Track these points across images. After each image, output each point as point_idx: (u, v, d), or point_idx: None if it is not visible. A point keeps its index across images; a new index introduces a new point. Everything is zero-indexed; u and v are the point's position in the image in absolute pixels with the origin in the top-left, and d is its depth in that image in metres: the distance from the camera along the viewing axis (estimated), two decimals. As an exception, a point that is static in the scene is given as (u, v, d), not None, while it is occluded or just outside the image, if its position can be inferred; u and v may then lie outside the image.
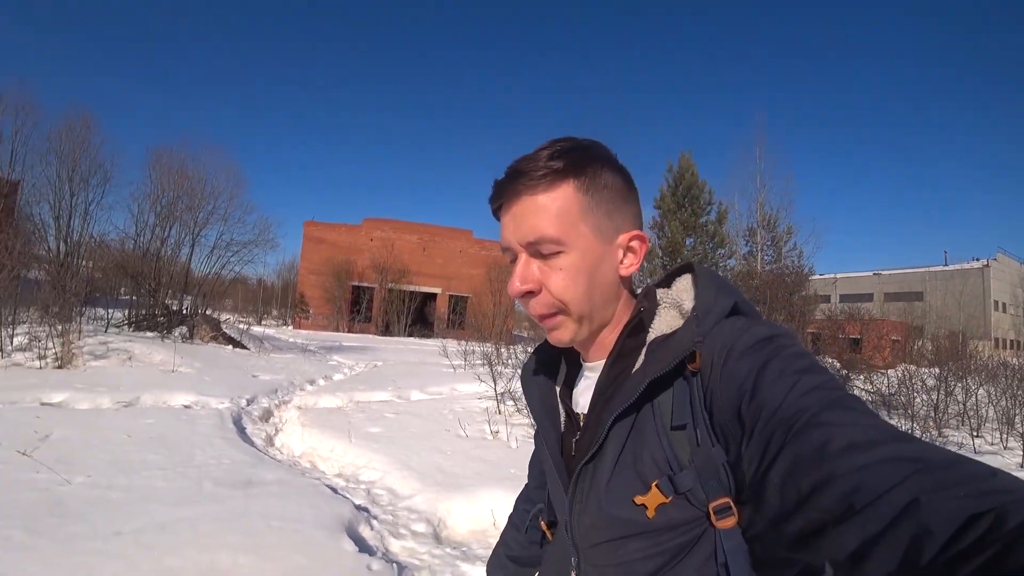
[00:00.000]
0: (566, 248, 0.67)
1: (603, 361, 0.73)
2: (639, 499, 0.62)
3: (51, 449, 3.96)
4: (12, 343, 7.67)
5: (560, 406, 0.81)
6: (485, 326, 18.50)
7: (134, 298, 12.97)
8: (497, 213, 0.73)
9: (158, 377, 7.41)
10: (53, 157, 12.00)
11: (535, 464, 1.07)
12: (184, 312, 13.40)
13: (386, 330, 27.62)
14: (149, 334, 11.40)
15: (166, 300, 13.58)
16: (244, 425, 5.76)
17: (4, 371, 6.68)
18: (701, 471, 0.59)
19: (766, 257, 20.43)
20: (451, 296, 29.96)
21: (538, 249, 0.67)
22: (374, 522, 3.47)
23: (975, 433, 6.22)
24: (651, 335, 0.68)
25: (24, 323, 8.52)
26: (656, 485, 0.61)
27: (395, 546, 3.21)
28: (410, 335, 26.97)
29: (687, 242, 20.45)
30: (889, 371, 8.98)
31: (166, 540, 2.62)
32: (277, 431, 5.98)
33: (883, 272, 50.41)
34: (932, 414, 6.59)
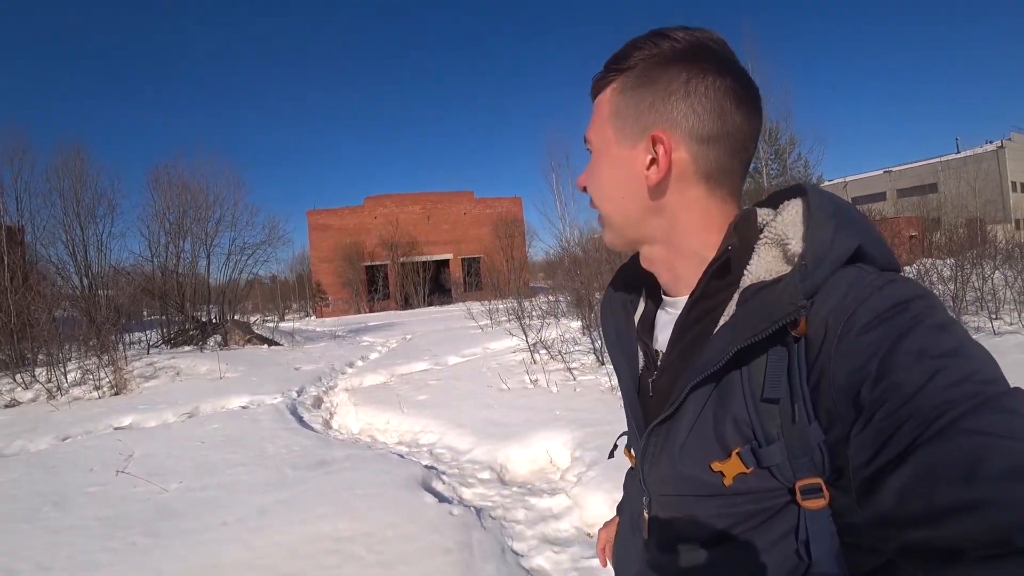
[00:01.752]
0: (594, 151, 0.68)
1: (684, 298, 0.66)
2: (716, 465, 0.56)
3: (140, 465, 4.31)
4: (67, 379, 8.08)
5: (637, 341, 0.76)
6: (502, 283, 18.78)
7: (164, 317, 13.36)
8: None
9: (209, 386, 7.79)
10: (56, 196, 12.22)
11: None
12: (214, 321, 13.80)
13: (406, 303, 28.05)
14: (187, 348, 11.84)
15: (194, 313, 13.99)
16: (301, 415, 6.10)
17: (68, 406, 7.09)
18: (791, 447, 0.52)
19: (771, 172, 20.14)
20: (463, 259, 30.15)
21: (586, 147, 0.70)
22: (444, 477, 3.79)
23: (993, 316, 6.36)
24: (746, 279, 0.58)
25: (72, 359, 8.92)
26: (737, 454, 0.55)
27: (467, 494, 3.53)
28: (430, 304, 27.40)
29: None
30: (907, 268, 9.04)
31: (269, 522, 2.94)
32: (332, 414, 6.33)
33: (894, 169, 48.68)
34: (951, 304, 6.70)
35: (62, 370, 8.25)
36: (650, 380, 0.70)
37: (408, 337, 13.00)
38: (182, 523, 3.10)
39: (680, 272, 0.67)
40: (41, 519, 3.42)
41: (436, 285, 29.00)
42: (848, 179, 49.70)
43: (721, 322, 0.59)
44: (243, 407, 6.55)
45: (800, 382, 0.52)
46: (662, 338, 0.70)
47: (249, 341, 13.11)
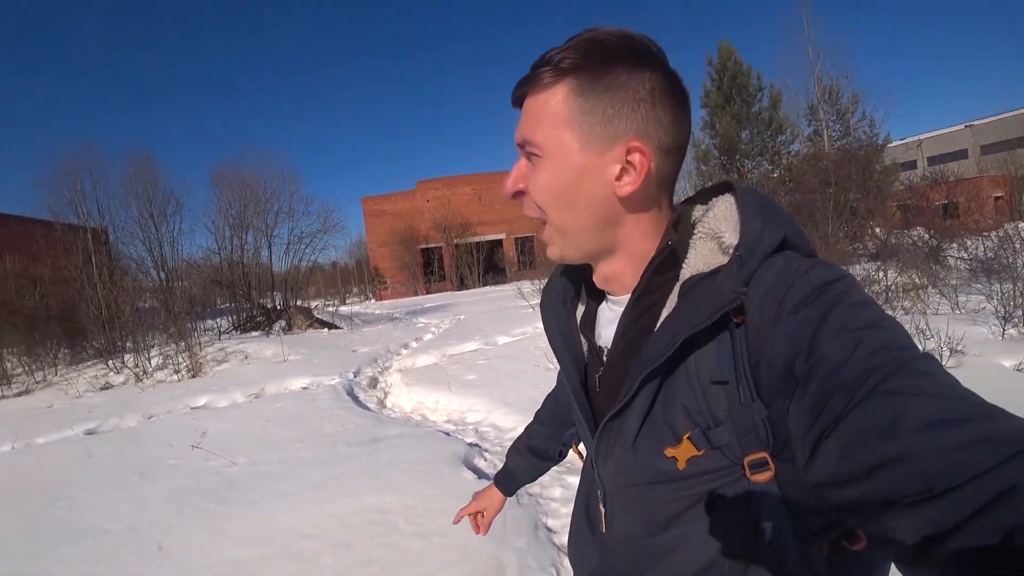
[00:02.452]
0: (543, 154, 0.63)
1: (627, 296, 0.68)
2: (670, 451, 0.59)
3: (212, 441, 4.70)
4: (151, 364, 8.81)
5: (581, 337, 0.77)
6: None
7: (233, 305, 14.22)
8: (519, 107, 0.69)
9: (274, 368, 8.28)
10: (132, 199, 13.23)
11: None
12: (278, 308, 14.57)
13: (461, 284, 28.53)
14: (254, 333, 12.58)
15: (260, 301, 14.82)
16: (357, 394, 6.42)
17: (153, 389, 7.75)
18: (738, 426, 0.56)
19: (833, 133, 18.81)
20: (516, 239, 30.21)
21: (525, 150, 0.65)
22: (486, 454, 3.93)
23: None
24: (685, 272, 0.61)
25: (154, 346, 9.70)
26: (688, 438, 0.58)
27: (508, 470, 3.65)
28: (485, 284, 27.70)
29: (742, 136, 18.83)
30: (992, 233, 8.33)
31: (322, 494, 3.17)
32: (386, 394, 6.62)
33: (976, 123, 43.94)
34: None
35: (146, 356, 9.01)
36: (597, 376, 0.72)
37: (461, 318, 13.26)
38: (247, 493, 3.39)
39: (622, 273, 0.68)
40: (130, 487, 3.82)
41: (490, 265, 29.28)
42: (923, 136, 45.76)
43: (664, 315, 0.61)
44: (304, 388, 6.94)
45: (743, 364, 0.55)
46: (605, 334, 0.72)
47: (311, 325, 13.76)
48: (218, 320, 13.13)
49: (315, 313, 15.09)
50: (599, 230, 0.65)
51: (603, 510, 0.73)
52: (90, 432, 5.74)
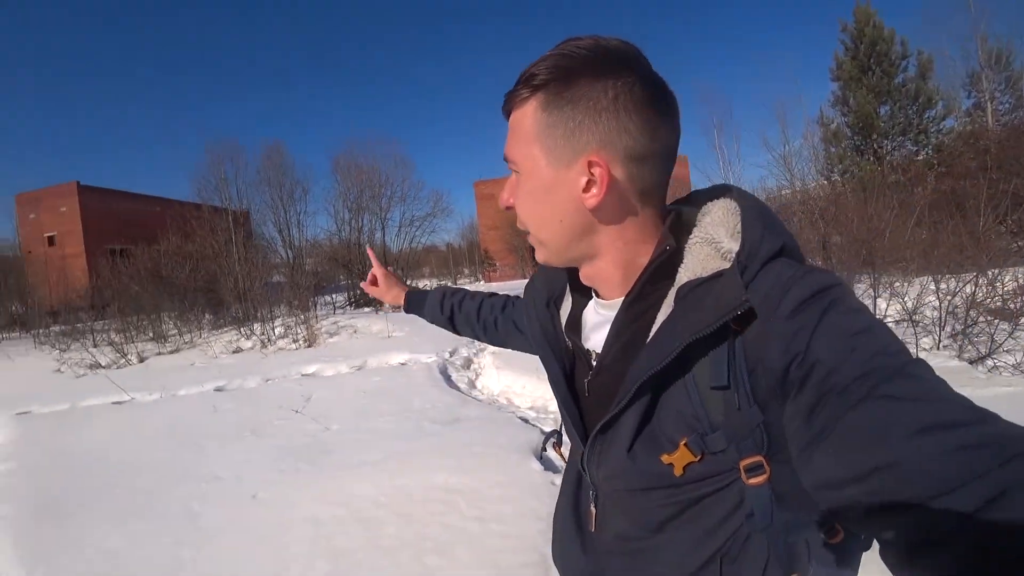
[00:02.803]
0: (519, 170, 0.65)
1: (618, 300, 0.67)
2: (666, 458, 0.59)
3: (313, 407, 5.15)
4: (275, 333, 9.80)
5: (565, 338, 0.77)
6: None
7: (348, 282, 15.37)
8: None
9: (378, 343, 8.85)
10: (265, 185, 14.74)
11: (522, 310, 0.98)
12: (389, 286, 15.54)
13: (568, 269, 28.53)
14: (366, 310, 13.52)
15: (374, 279, 15.86)
16: (449, 374, 6.68)
17: (274, 355, 8.63)
18: (736, 430, 0.56)
19: (999, 106, 16.02)
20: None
21: (509, 168, 0.67)
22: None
23: None
24: (681, 276, 0.61)
25: (279, 317, 10.76)
26: (685, 444, 0.58)
27: (579, 462, 3.62)
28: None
29: (881, 111, 16.45)
30: None
31: (397, 466, 3.36)
32: (477, 375, 6.82)
33: None
34: None
35: (271, 326, 10.02)
36: (585, 380, 0.71)
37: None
38: (334, 458, 3.68)
39: (611, 277, 0.67)
40: (242, 441, 4.31)
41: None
42: None
43: (659, 319, 0.60)
44: (402, 363, 7.35)
45: (740, 369, 0.55)
46: (594, 338, 0.71)
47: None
48: (334, 296, 14.29)
49: (422, 293, 15.89)
50: (577, 240, 0.65)
51: (594, 511, 0.73)
52: (219, 389, 6.53)
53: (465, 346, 8.31)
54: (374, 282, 1.35)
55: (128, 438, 4.71)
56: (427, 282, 20.11)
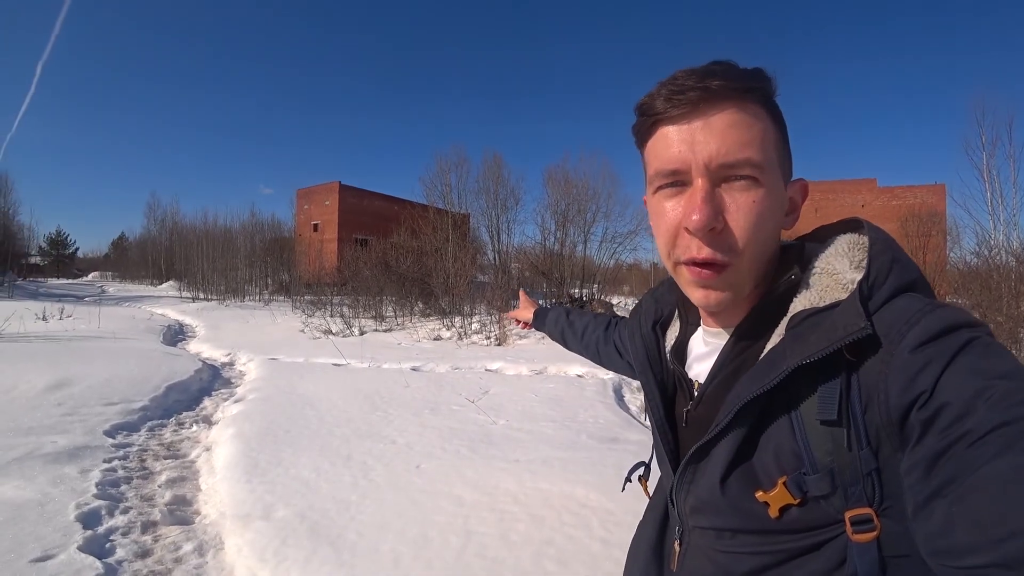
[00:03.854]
0: (762, 180, 0.55)
1: (731, 327, 0.63)
2: (762, 495, 0.54)
3: (488, 400, 5.48)
4: (471, 328, 10.66)
5: (670, 366, 0.73)
6: None
7: (547, 290, 16.02)
8: (657, 125, 0.58)
9: (562, 353, 8.78)
10: (482, 193, 16.24)
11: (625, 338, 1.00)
12: (583, 298, 15.77)
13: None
14: (557, 319, 13.92)
15: (571, 290, 16.29)
16: (623, 394, 6.53)
17: (467, 348, 9.39)
18: (841, 475, 0.50)
19: None
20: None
21: (731, 173, 0.54)
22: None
23: None
24: (796, 305, 0.57)
25: (478, 314, 11.68)
26: (784, 483, 0.52)
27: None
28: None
29: None
30: None
31: (544, 470, 3.40)
32: (651, 402, 6.56)
33: None
34: None
35: (469, 321, 10.92)
36: (685, 410, 0.67)
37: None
38: (492, 450, 3.87)
39: (734, 307, 0.62)
40: (420, 417, 4.78)
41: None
42: None
43: (768, 348, 0.57)
44: (579, 376, 7.40)
45: (853, 404, 0.50)
46: (699, 368, 0.67)
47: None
48: (530, 302, 15.04)
49: (615, 309, 15.83)
50: (766, 262, 0.60)
51: (678, 549, 0.68)
52: (415, 368, 7.34)
53: (645, 370, 8.06)
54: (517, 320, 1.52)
55: (337, 393, 5.57)
56: (627, 300, 19.96)
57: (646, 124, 0.59)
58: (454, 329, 10.75)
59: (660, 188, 0.58)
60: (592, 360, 1.22)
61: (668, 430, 0.70)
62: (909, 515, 0.45)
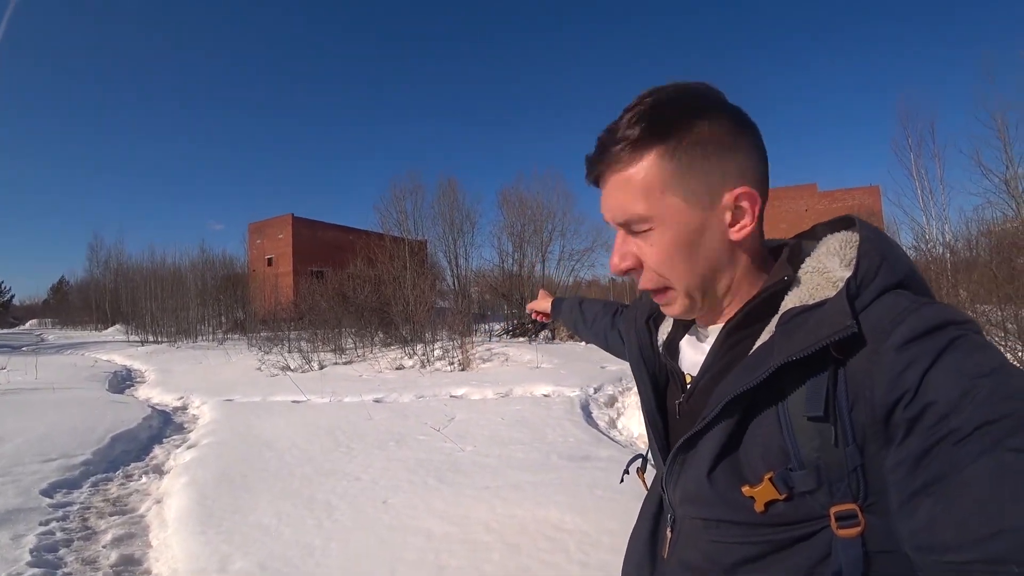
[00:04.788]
0: (655, 224, 0.60)
1: (720, 325, 0.66)
2: (747, 490, 0.55)
3: (455, 427, 5.37)
4: (434, 355, 10.50)
5: (663, 360, 0.75)
6: None
7: (507, 312, 16.01)
8: (597, 185, 0.67)
9: (526, 373, 9.00)
10: (438, 218, 16.21)
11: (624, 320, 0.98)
12: (544, 319, 15.86)
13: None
14: (520, 339, 13.88)
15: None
16: (591, 410, 6.52)
17: (430, 375, 9.23)
18: (827, 471, 0.51)
19: None
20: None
21: (630, 228, 0.62)
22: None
23: None
24: (786, 303, 0.59)
25: (440, 340, 11.54)
26: (770, 479, 0.53)
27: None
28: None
29: None
30: None
31: (515, 496, 3.33)
32: (619, 415, 6.56)
33: None
34: None
35: (432, 348, 10.76)
36: (677, 403, 0.69)
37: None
38: (460, 478, 3.77)
39: (722, 306, 0.66)
40: (386, 450, 4.63)
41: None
42: None
43: (758, 344, 0.59)
44: (545, 395, 7.37)
45: (840, 402, 0.51)
46: (691, 362, 0.69)
47: (571, 337, 14.53)
48: (491, 324, 14.96)
49: (576, 328, 15.95)
50: (719, 278, 0.63)
51: (670, 535, 0.70)
52: (377, 400, 7.16)
53: (612, 383, 8.08)
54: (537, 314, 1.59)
55: (297, 432, 5.36)
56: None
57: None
58: (416, 357, 10.57)
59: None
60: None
61: (660, 421, 0.71)
62: (893, 511, 0.46)
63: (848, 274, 0.55)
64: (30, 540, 2.93)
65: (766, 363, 0.53)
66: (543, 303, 1.54)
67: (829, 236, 0.63)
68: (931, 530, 0.42)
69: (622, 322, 1.06)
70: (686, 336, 0.73)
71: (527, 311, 1.65)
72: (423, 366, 10.04)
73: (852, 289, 0.53)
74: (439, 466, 4.09)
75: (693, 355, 0.69)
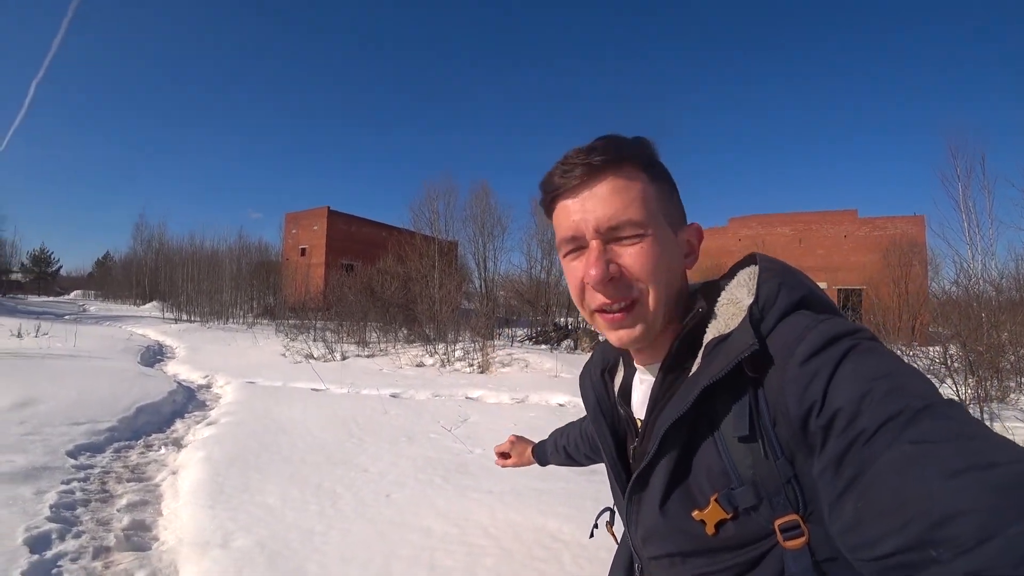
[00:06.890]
0: (647, 233, 0.63)
1: (657, 364, 0.68)
2: (697, 514, 0.58)
3: (466, 429, 5.39)
4: (454, 355, 10.57)
5: (619, 409, 0.78)
6: (889, 322, 14.44)
7: (532, 318, 15.99)
8: (556, 199, 0.67)
9: (544, 380, 8.98)
10: (469, 220, 16.35)
11: None
12: (567, 327, 15.75)
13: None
14: (543, 346, 13.85)
15: (556, 319, 16.26)
16: (604, 425, 6.48)
17: (449, 375, 9.29)
18: (764, 486, 0.54)
19: None
20: (839, 290, 25.60)
21: (618, 234, 0.63)
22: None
23: None
24: (708, 335, 0.62)
25: (461, 341, 11.60)
26: (715, 500, 0.57)
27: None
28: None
29: None
30: None
31: (516, 502, 3.32)
32: (632, 434, 6.51)
33: None
34: None
35: (452, 348, 10.83)
36: (632, 447, 0.72)
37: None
38: (465, 479, 3.79)
39: (657, 342, 0.68)
40: (396, 445, 4.68)
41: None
42: None
43: (688, 377, 0.63)
44: (560, 404, 7.34)
45: (763, 420, 0.55)
46: (639, 406, 0.73)
47: (593, 347, 14.44)
48: (512, 329, 14.97)
49: (600, 337, 15.81)
50: (672, 302, 0.67)
51: None
52: (394, 395, 7.24)
53: (628, 401, 8.01)
54: (505, 457, 1.47)
55: (313, 419, 5.47)
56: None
57: (547, 199, 0.69)
58: (437, 356, 10.65)
59: (567, 253, 0.67)
60: (599, 460, 1.16)
61: (621, 471, 0.74)
62: (826, 516, 0.49)
63: (751, 300, 0.60)
64: (51, 496, 3.06)
65: (693, 391, 0.58)
66: (522, 455, 1.45)
67: (739, 271, 0.68)
68: (857, 527, 0.44)
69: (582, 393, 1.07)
70: (634, 382, 0.76)
71: (495, 451, 1.51)
72: (443, 365, 10.11)
73: (755, 313, 0.59)
74: (447, 466, 4.12)
75: (643, 399, 0.72)
